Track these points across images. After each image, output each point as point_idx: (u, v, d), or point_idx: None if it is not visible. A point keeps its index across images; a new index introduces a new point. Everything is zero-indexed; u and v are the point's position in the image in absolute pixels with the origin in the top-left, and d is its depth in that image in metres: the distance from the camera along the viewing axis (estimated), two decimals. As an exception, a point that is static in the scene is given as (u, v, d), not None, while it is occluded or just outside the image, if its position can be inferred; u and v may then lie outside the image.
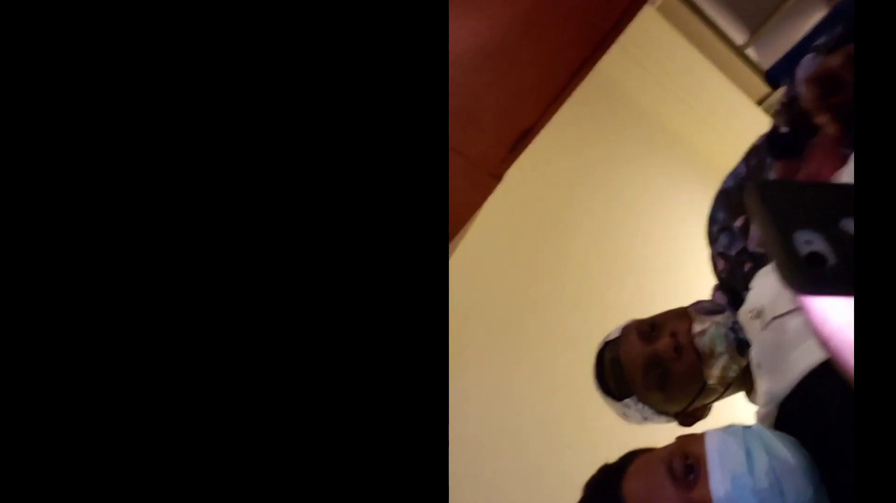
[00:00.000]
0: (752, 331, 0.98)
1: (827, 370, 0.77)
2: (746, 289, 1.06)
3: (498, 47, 1.25)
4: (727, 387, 1.07)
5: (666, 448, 0.84)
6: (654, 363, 1.06)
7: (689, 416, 1.13)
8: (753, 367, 0.98)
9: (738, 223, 1.12)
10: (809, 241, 0.34)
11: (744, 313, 1.01)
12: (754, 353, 0.98)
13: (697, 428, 1.05)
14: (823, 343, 0.41)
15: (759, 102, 3.20)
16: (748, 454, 0.76)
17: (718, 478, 0.75)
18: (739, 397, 1.12)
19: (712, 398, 1.10)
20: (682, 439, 0.84)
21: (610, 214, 2.77)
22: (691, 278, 2.55)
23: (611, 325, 1.19)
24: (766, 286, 0.98)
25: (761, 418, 0.93)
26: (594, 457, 0.93)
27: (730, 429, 0.81)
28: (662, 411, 1.12)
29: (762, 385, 0.94)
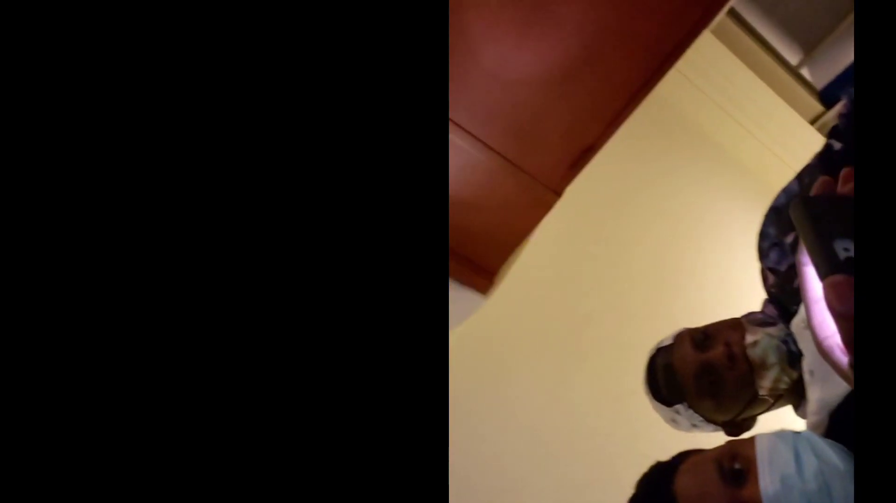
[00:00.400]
0: (805, 340, 1.01)
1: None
2: (796, 303, 1.08)
3: (564, 70, 1.30)
4: (777, 399, 1.08)
5: (717, 448, 0.86)
6: (707, 371, 1.07)
7: (736, 426, 1.14)
8: (805, 376, 1.00)
9: (789, 239, 1.13)
10: (847, 249, 0.39)
11: (796, 323, 1.04)
12: (807, 362, 0.99)
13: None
14: (818, 343, 0.46)
15: (813, 121, 3.19)
16: (797, 457, 0.78)
17: (768, 479, 0.77)
18: (785, 413, 1.13)
19: (761, 409, 1.11)
20: (732, 441, 0.87)
21: (663, 229, 2.78)
22: (742, 292, 2.56)
23: (662, 337, 1.21)
24: None
25: (812, 426, 0.95)
26: (645, 465, 0.96)
27: (780, 433, 0.83)
28: (711, 419, 1.13)
29: (814, 393, 0.96)
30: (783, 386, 1.06)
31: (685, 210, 2.91)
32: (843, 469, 0.77)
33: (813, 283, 0.43)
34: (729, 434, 1.15)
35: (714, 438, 1.13)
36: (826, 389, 0.92)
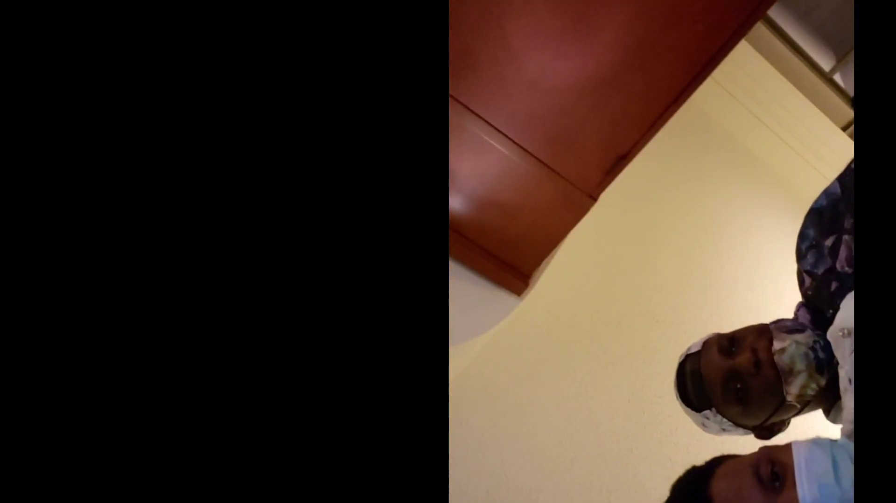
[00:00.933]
0: (843, 349, 1.00)
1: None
2: (831, 308, 1.07)
3: (601, 81, 1.32)
4: (805, 405, 1.08)
5: (753, 454, 0.87)
6: (734, 377, 1.07)
7: (766, 430, 1.14)
8: (843, 384, 0.99)
9: (829, 242, 1.12)
10: None
11: (833, 331, 1.03)
12: (845, 371, 0.99)
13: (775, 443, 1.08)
14: None
15: (845, 128, 3.17)
16: (835, 464, 0.79)
17: (806, 486, 0.78)
18: (816, 415, 1.13)
19: (789, 415, 1.11)
20: (768, 447, 0.87)
21: (693, 234, 2.78)
22: (771, 297, 2.56)
23: (691, 343, 1.22)
24: None
25: (848, 434, 0.94)
26: (670, 470, 0.97)
27: (817, 441, 0.84)
28: (740, 424, 1.13)
29: (851, 402, 0.94)
30: (810, 392, 1.06)
31: (715, 216, 2.91)
32: None
33: None
34: (759, 437, 1.15)
35: (744, 441, 1.14)
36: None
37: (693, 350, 1.17)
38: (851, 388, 0.96)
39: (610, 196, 1.61)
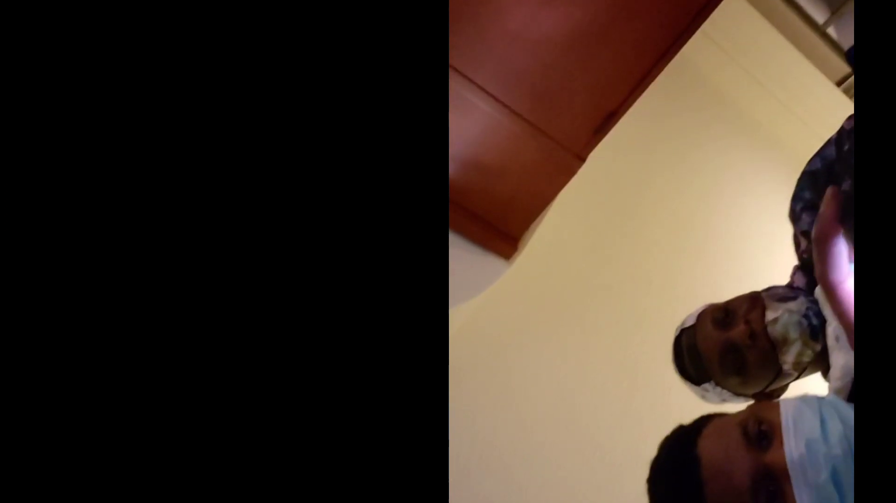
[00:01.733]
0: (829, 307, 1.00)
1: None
2: None
3: (588, 33, 1.28)
4: (802, 371, 1.09)
5: (741, 413, 0.86)
6: (730, 350, 1.08)
7: (766, 396, 1.15)
8: (830, 342, 1.00)
9: None
10: None
11: (820, 290, 1.03)
12: (832, 328, 1.00)
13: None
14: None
15: (839, 83, 3.13)
16: (822, 422, 0.78)
17: (793, 443, 0.77)
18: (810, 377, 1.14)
19: (788, 380, 1.12)
20: (756, 405, 0.87)
21: (686, 196, 2.76)
22: (766, 260, 2.55)
23: (685, 308, 1.22)
24: None
25: (836, 391, 0.95)
26: (664, 430, 0.95)
27: (805, 398, 0.83)
28: (740, 393, 1.15)
29: (838, 359, 0.96)
30: (806, 359, 1.07)
31: (707, 175, 2.89)
32: None
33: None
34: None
35: (740, 405, 1.14)
36: (850, 355, 0.92)
37: (688, 324, 1.18)
38: (838, 345, 0.96)
39: (599, 156, 1.59)
